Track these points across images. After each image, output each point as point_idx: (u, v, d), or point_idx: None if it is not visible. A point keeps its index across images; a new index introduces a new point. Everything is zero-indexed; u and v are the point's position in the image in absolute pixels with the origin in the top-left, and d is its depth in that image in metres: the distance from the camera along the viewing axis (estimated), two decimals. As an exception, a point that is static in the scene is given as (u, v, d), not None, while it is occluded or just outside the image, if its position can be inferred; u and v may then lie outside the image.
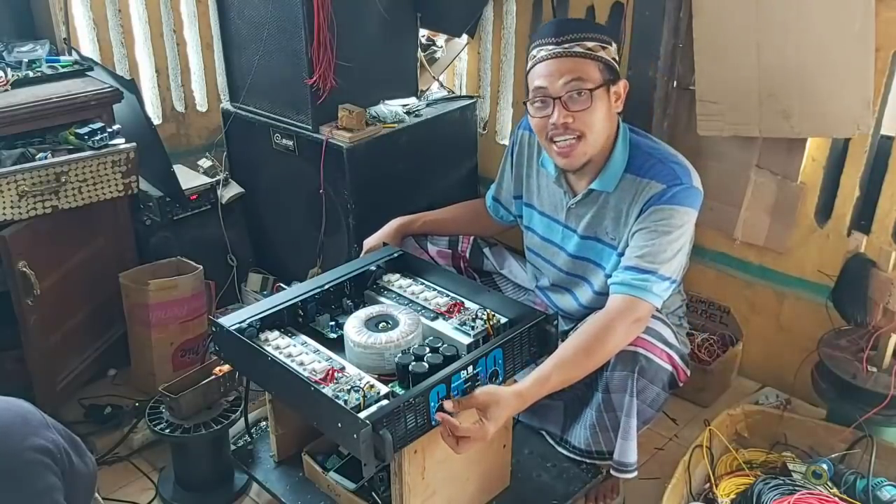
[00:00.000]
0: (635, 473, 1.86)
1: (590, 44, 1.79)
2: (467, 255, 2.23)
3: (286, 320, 1.86)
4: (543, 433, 2.02)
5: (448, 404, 1.56)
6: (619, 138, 1.88)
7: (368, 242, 2.17)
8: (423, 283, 1.99)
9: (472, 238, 2.24)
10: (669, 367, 1.85)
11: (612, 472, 1.87)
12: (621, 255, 1.87)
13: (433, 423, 1.57)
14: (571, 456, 1.94)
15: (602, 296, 1.95)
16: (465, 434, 1.53)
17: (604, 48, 1.80)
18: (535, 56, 1.84)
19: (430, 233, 2.23)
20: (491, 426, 1.55)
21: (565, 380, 1.69)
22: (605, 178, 1.88)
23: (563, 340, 1.98)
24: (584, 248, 1.98)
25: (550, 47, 1.80)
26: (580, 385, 1.80)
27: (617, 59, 1.85)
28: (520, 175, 2.11)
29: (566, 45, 1.78)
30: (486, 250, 2.25)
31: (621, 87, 1.85)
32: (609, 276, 1.88)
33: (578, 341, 1.72)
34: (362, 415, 1.48)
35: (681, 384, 1.93)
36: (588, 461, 1.92)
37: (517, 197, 2.14)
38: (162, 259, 2.52)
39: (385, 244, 2.13)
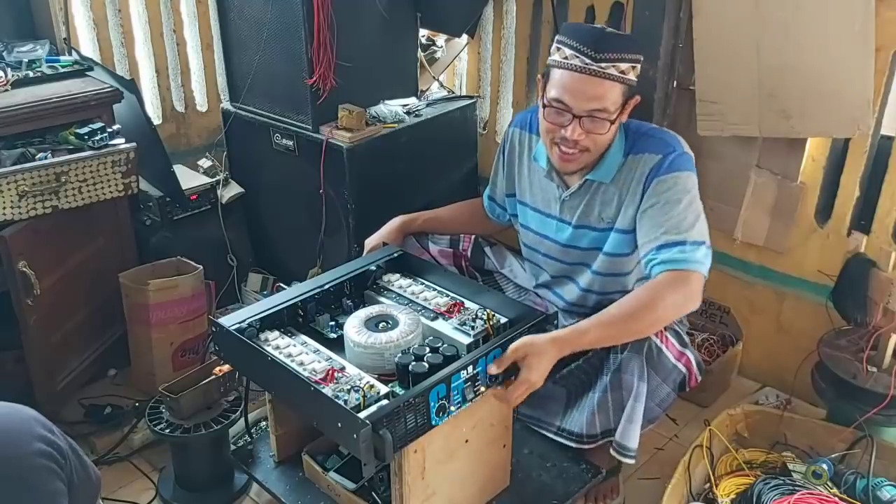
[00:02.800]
0: (633, 461, 1.84)
1: (624, 66, 1.75)
2: (468, 254, 2.23)
3: (286, 320, 1.86)
4: (542, 429, 1.98)
5: (492, 369, 1.62)
6: (616, 134, 1.89)
7: (370, 242, 2.17)
8: (422, 283, 1.99)
9: (473, 237, 2.24)
10: (683, 369, 1.85)
11: (611, 451, 1.84)
12: (622, 231, 1.88)
13: (434, 422, 1.57)
14: (565, 442, 1.90)
15: (599, 275, 1.97)
16: (514, 392, 1.62)
17: (634, 69, 1.78)
18: (566, 58, 1.77)
19: (431, 231, 2.23)
20: (534, 375, 1.61)
21: (603, 337, 1.70)
22: (601, 169, 1.89)
23: None
24: (576, 238, 1.98)
25: (586, 61, 1.74)
26: (587, 369, 1.80)
27: (639, 73, 1.82)
28: (512, 173, 2.11)
29: (602, 65, 1.73)
30: (488, 249, 2.25)
31: (632, 102, 1.84)
32: (610, 255, 1.92)
33: (624, 304, 1.72)
34: (362, 415, 1.48)
35: (689, 389, 1.93)
36: (577, 446, 1.89)
37: (510, 194, 2.14)
38: (162, 259, 2.52)
39: (385, 244, 2.13)
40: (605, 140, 1.82)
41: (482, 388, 1.64)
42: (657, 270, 1.76)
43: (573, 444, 1.89)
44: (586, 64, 1.74)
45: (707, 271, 1.77)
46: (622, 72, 1.76)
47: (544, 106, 1.83)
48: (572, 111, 1.77)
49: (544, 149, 1.95)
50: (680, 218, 1.77)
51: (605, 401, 1.82)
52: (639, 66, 1.81)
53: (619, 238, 1.90)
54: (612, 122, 1.78)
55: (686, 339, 1.89)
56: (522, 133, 2.06)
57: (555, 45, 1.83)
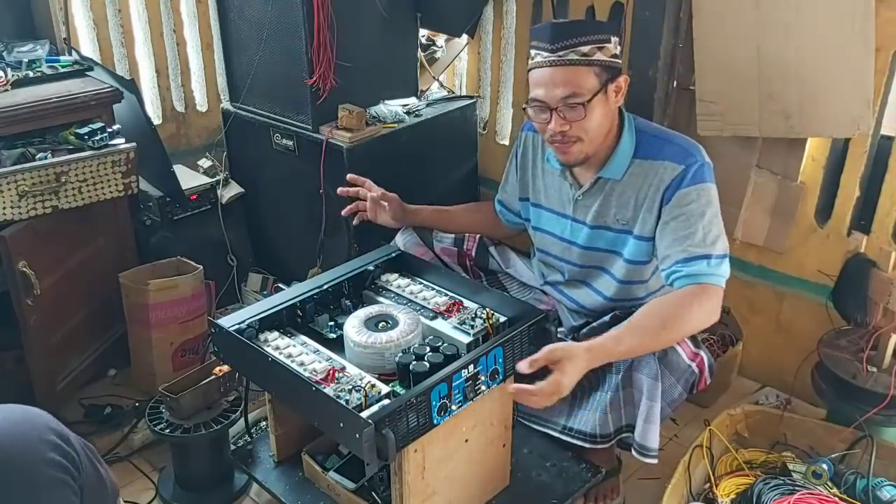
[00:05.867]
0: (656, 461, 1.82)
1: (585, 48, 1.76)
2: (473, 253, 2.21)
3: (285, 321, 1.86)
4: (545, 428, 1.96)
5: (523, 366, 1.60)
6: (625, 128, 1.88)
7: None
8: (421, 283, 1.99)
9: (477, 237, 2.23)
10: (696, 370, 1.84)
11: (633, 452, 1.83)
12: (640, 238, 1.87)
13: (436, 422, 1.57)
14: (575, 442, 1.87)
15: (626, 284, 1.96)
16: (542, 394, 1.59)
17: (601, 48, 1.78)
18: (532, 58, 1.82)
19: (436, 223, 2.22)
20: (566, 380, 1.60)
21: (637, 346, 1.71)
22: (612, 166, 1.88)
23: (573, 337, 1.98)
24: (594, 238, 1.97)
25: (545, 54, 1.78)
26: (595, 369, 1.79)
27: (618, 52, 1.82)
28: (526, 176, 2.10)
29: (560, 53, 1.76)
30: (492, 249, 2.23)
31: (622, 81, 1.83)
32: (630, 262, 1.91)
33: (656, 312, 1.72)
34: (364, 414, 1.48)
35: (697, 391, 1.92)
36: (590, 446, 1.87)
37: (523, 199, 2.13)
38: (162, 259, 2.52)
39: (382, 242, 2.13)
40: (593, 126, 1.80)
41: (483, 388, 1.64)
42: (682, 283, 1.76)
43: (586, 445, 1.86)
44: (545, 57, 1.78)
45: (724, 284, 1.78)
46: (585, 54, 1.76)
47: (527, 106, 1.85)
48: (548, 105, 1.79)
49: None
50: (705, 231, 1.77)
51: (618, 399, 1.82)
52: (609, 45, 1.79)
53: (638, 245, 1.89)
54: (588, 104, 1.77)
55: (699, 340, 1.88)
56: (536, 136, 2.05)
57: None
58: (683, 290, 1.76)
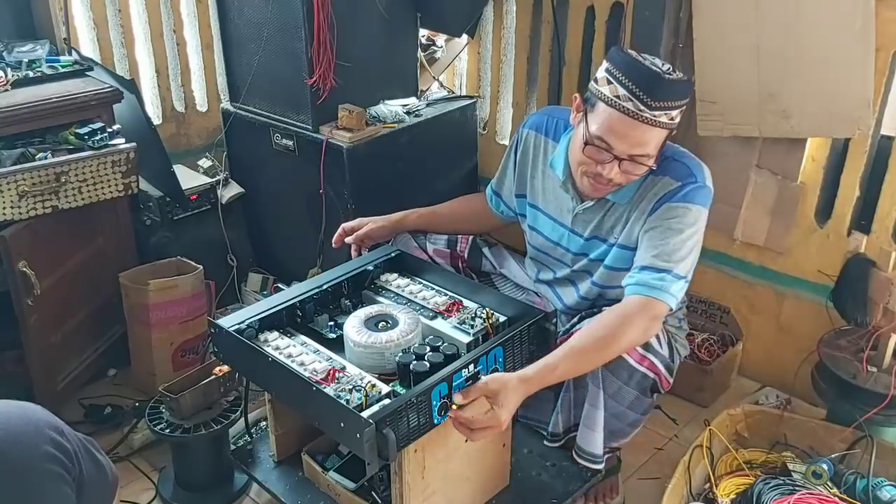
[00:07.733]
0: (601, 467, 1.84)
1: (674, 112, 1.70)
2: (465, 254, 2.20)
3: (285, 321, 1.86)
4: (539, 429, 2.00)
5: (458, 398, 1.55)
6: None
7: (350, 224, 2.17)
8: (420, 283, 1.99)
9: (470, 238, 2.23)
10: (649, 373, 1.83)
11: (574, 455, 1.84)
12: (623, 247, 1.87)
13: (436, 421, 1.57)
14: (551, 446, 1.91)
15: (597, 286, 1.96)
16: (481, 426, 1.54)
17: (681, 111, 1.74)
18: (617, 97, 1.69)
19: (426, 226, 2.21)
20: (503, 412, 1.56)
21: (573, 369, 1.69)
22: (622, 192, 1.85)
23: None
24: (587, 248, 1.97)
25: (640, 107, 1.67)
26: None
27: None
28: (524, 174, 2.08)
29: (656, 113, 1.67)
30: (486, 250, 2.23)
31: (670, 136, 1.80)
32: (609, 268, 1.90)
33: (592, 333, 1.71)
34: (365, 414, 1.48)
35: (663, 391, 1.92)
36: (547, 443, 1.91)
37: (520, 195, 2.12)
38: (162, 259, 2.53)
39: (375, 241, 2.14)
40: (636, 177, 1.80)
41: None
42: (630, 291, 1.76)
43: (554, 445, 1.92)
44: (639, 110, 1.67)
45: (675, 306, 1.76)
46: (672, 118, 1.72)
47: (585, 143, 1.76)
48: (613, 152, 1.73)
49: (562, 157, 1.92)
50: (674, 248, 1.76)
51: (568, 399, 1.84)
52: (685, 107, 1.75)
53: (620, 253, 1.89)
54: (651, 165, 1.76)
55: (654, 343, 1.84)
56: (538, 136, 2.02)
57: (604, 74, 1.73)
58: (626, 303, 1.75)
